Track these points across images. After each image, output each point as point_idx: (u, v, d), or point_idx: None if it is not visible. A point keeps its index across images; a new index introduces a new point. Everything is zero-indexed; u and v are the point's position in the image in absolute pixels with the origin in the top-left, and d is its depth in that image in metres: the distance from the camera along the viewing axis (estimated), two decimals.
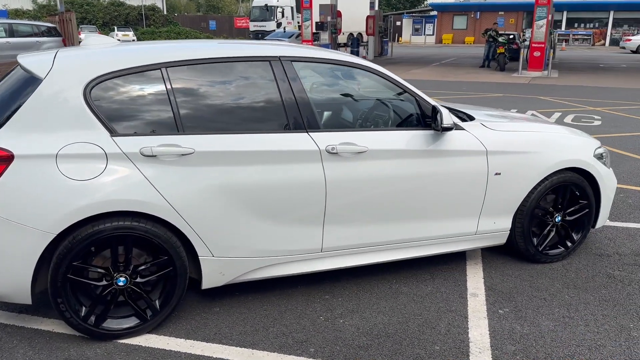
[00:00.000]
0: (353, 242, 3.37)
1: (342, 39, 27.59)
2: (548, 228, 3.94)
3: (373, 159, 3.27)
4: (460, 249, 3.73)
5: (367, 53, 27.06)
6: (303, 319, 3.20)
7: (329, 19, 24.02)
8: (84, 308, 2.90)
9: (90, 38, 3.41)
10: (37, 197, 2.68)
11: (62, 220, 2.70)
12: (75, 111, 2.81)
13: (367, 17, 28.37)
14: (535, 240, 3.90)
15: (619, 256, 4.12)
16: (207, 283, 3.14)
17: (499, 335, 3.06)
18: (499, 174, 3.61)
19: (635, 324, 3.18)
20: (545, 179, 3.75)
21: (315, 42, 23.28)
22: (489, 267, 3.90)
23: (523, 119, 4.20)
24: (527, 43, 28.10)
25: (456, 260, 4.01)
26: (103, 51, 3.07)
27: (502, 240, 3.84)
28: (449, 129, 3.32)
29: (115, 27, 42.74)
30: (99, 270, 2.87)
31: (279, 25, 41.11)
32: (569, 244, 4.02)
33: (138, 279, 2.95)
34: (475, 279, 3.73)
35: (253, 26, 39.86)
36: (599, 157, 4.00)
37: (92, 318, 2.91)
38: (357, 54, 26.02)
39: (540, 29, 19.38)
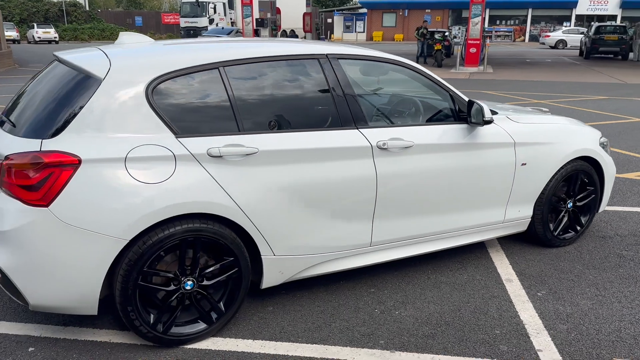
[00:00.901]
0: (399, 235, 3.45)
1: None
2: (562, 214, 4.20)
3: (418, 153, 3.37)
4: (490, 237, 3.91)
5: None
6: (360, 313, 3.25)
7: (268, 15, 23.97)
8: (151, 315, 2.81)
9: (126, 36, 3.29)
10: (108, 203, 2.57)
11: (135, 225, 2.60)
12: (139, 112, 2.71)
13: (304, 14, 28.54)
14: (551, 225, 4.15)
15: (620, 237, 4.46)
16: (266, 282, 3.12)
17: (547, 316, 3.24)
18: (525, 164, 3.81)
19: None
20: (562, 167, 4.00)
21: None
22: (511, 254, 4.11)
23: (535, 112, 4.44)
24: (457, 40, 29.22)
25: (478, 249, 4.19)
26: (159, 50, 2.98)
27: (524, 227, 4.06)
28: (489, 122, 3.47)
29: (35, 24, 40.41)
30: (168, 275, 2.79)
31: (211, 21, 40.43)
32: (578, 228, 4.30)
33: (204, 282, 2.89)
34: (503, 265, 3.92)
35: (184, 22, 38.97)
36: (603, 145, 4.30)
37: (160, 325, 2.82)
38: None
39: (475, 26, 20.26)
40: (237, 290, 2.98)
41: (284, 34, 28.03)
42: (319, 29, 29.95)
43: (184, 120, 2.81)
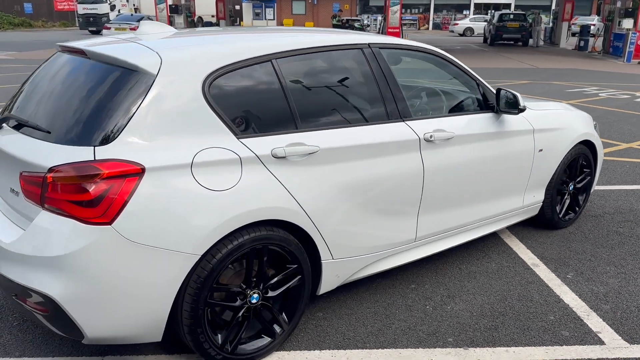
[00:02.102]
0: (440, 228, 3.40)
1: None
2: (565, 196, 4.35)
3: (458, 144, 3.32)
4: (511, 223, 3.97)
5: None
6: (413, 311, 3.16)
7: (182, 1, 22.98)
8: (219, 335, 2.54)
9: (148, 26, 2.94)
10: (177, 215, 2.28)
11: (208, 238, 2.33)
12: (197, 112, 2.42)
13: (217, 1, 27.69)
14: (557, 208, 4.29)
15: (610, 215, 4.71)
16: (324, 288, 2.94)
17: (587, 297, 3.34)
18: (542, 150, 3.89)
19: None
20: (568, 152, 4.13)
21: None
22: (523, 239, 4.19)
23: (538, 99, 4.55)
24: (368, 29, 29.75)
25: (491, 236, 4.22)
26: (206, 40, 2.69)
27: (536, 211, 4.16)
28: (523, 110, 3.49)
29: None
30: (236, 289, 2.54)
31: (112, 7, 38.28)
32: (577, 209, 4.48)
33: (269, 294, 2.67)
34: (521, 250, 3.99)
35: (82, 9, 36.55)
36: (595, 128, 4.50)
37: (228, 344, 2.56)
38: None
39: (394, 14, 20.69)
40: (299, 300, 2.78)
41: (200, 21, 27.01)
42: (233, 16, 29.23)
43: (241, 119, 2.56)
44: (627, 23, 20.40)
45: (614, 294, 3.38)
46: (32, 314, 2.39)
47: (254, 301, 2.60)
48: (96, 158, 2.19)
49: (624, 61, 19.80)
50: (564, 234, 4.30)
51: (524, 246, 4.07)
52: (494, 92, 3.58)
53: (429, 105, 3.64)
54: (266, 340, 2.70)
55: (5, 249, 2.28)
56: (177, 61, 2.44)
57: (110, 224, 2.17)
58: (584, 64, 18.96)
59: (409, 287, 3.43)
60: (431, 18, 47.48)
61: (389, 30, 20.79)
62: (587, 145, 4.36)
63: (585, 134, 4.22)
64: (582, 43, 25.11)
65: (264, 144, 2.55)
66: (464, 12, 46.42)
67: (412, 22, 46.98)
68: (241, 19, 46.45)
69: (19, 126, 2.55)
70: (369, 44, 3.11)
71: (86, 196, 2.15)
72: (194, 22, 28.27)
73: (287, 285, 2.71)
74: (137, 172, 2.21)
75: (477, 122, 3.46)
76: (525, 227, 4.39)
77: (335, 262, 2.89)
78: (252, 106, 2.61)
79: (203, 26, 26.32)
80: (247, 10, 46.98)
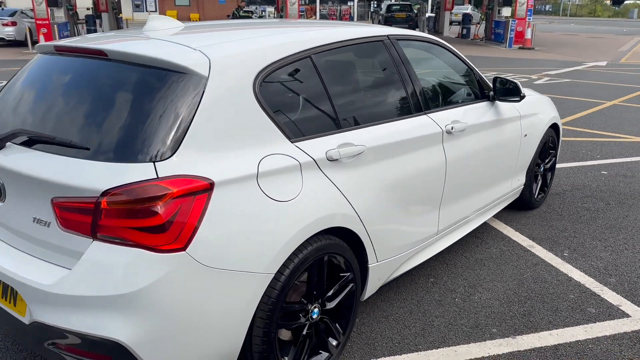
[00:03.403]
0: (455, 219, 3.39)
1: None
2: (539, 177, 4.56)
3: (470, 134, 3.32)
4: (503, 207, 4.07)
5: (102, 30, 24.81)
6: (445, 306, 3.12)
7: None
8: (285, 358, 2.33)
9: (157, 21, 2.60)
10: (249, 232, 2.03)
11: (280, 253, 2.11)
12: (251, 115, 2.17)
13: None
14: (533, 189, 4.48)
15: (569, 192, 5.01)
16: (369, 293, 2.81)
17: (592, 273, 3.51)
18: (526, 135, 4.02)
19: None
20: (543, 135, 4.32)
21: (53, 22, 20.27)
22: (508, 222, 4.33)
23: None
24: None
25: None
26: (246, 35, 2.43)
27: (518, 194, 4.30)
28: (524, 97, 3.58)
29: None
30: (300, 306, 2.34)
31: None
32: (546, 188, 4.72)
33: (327, 306, 2.49)
34: (513, 233, 4.12)
35: None
36: None
37: None
38: (94, 31, 23.66)
39: (293, 5, 20.60)
40: (352, 308, 2.63)
41: (75, 16, 24.89)
42: (115, 8, 27.52)
43: (291, 121, 2.34)
44: (506, 11, 22.02)
45: (613, 267, 3.58)
46: None
47: (314, 316, 2.41)
48: (159, 175, 1.89)
49: (506, 47, 21.35)
50: (540, 214, 4.50)
51: (512, 229, 4.20)
52: (488, 81, 3.64)
53: (437, 97, 3.60)
54: (324, 355, 2.52)
55: (48, 291, 1.90)
56: (226, 60, 2.17)
57: (184, 250, 1.88)
58: (472, 51, 20.15)
59: (428, 281, 3.40)
60: (318, 9, 47.92)
61: None
62: (553, 128, 4.60)
63: (554, 117, 4.44)
64: (464, 31, 26.70)
65: (317, 146, 2.36)
66: (349, 4, 47.52)
67: (300, 13, 47.28)
68: (119, 11, 43.87)
69: (29, 143, 2.14)
70: (387, 36, 3.00)
71: (155, 220, 1.84)
72: (75, 15, 26.23)
73: (341, 295, 2.55)
74: (206, 188, 1.94)
75: (480, 111, 3.50)
76: (503, 210, 4.54)
77: (379, 264, 2.77)
78: (298, 106, 2.41)
79: (85, 21, 24.39)
80: (126, 1, 44.45)
